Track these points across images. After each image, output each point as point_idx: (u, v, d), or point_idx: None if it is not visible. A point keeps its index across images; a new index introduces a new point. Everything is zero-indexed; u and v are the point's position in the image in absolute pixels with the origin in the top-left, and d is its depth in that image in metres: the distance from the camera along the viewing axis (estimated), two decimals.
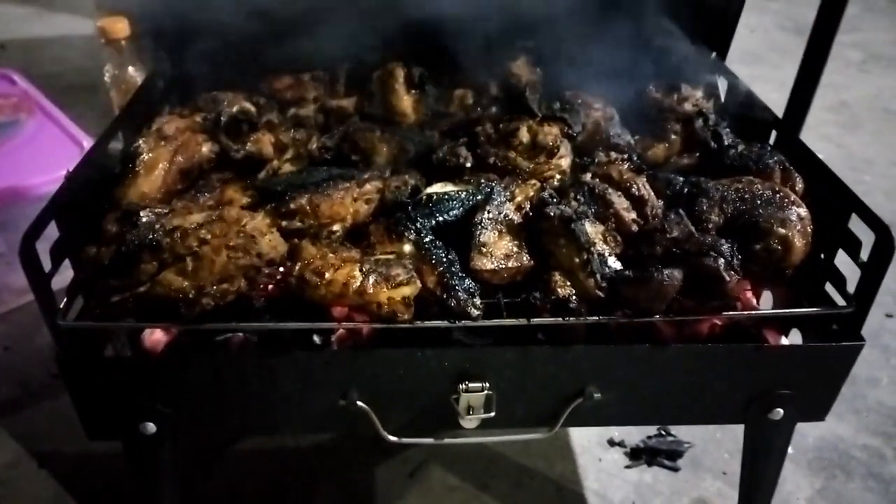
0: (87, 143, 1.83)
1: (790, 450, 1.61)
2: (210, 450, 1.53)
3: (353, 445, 1.55)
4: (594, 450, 1.58)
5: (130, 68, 2.21)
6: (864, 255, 1.03)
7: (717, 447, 1.59)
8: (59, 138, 1.87)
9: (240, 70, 1.47)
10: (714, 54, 1.54)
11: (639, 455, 1.56)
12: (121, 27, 1.97)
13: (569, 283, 1.01)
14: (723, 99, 1.47)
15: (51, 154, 1.80)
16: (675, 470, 1.54)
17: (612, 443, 1.59)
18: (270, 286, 1.05)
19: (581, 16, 1.39)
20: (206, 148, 1.16)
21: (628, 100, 1.43)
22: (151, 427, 1.03)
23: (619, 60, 1.43)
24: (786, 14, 4.17)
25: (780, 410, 1.10)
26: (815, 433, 1.64)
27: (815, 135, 2.93)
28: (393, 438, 1.06)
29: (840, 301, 1.06)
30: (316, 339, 1.09)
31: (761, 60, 3.58)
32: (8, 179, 1.70)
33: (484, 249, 1.05)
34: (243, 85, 1.43)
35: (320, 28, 1.42)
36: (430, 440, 1.09)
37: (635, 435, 1.60)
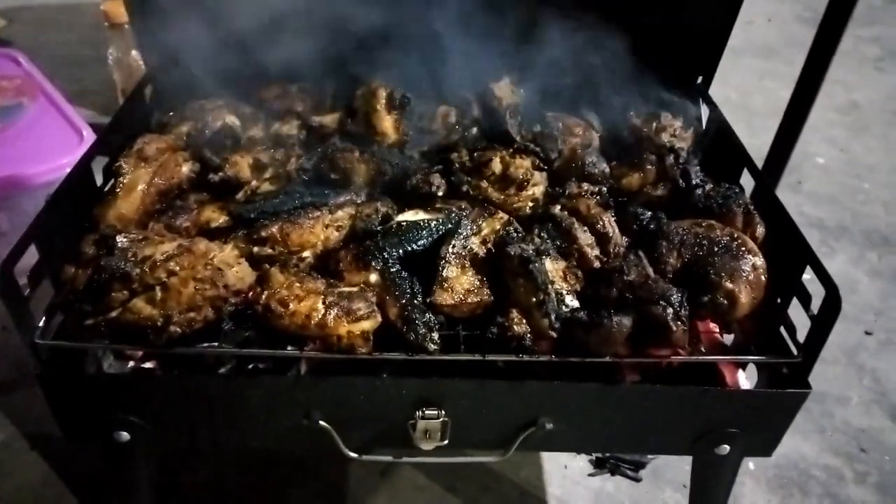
0: (87, 131, 1.86)
1: (751, 465, 1.66)
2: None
3: None
4: (560, 457, 1.63)
5: (133, 52, 2.24)
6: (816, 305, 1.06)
7: (679, 461, 1.63)
8: (61, 126, 1.91)
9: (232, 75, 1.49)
10: (700, 78, 1.54)
11: (603, 464, 1.62)
12: (124, 11, 2.00)
13: (525, 322, 1.06)
14: (703, 126, 1.48)
15: (51, 142, 1.84)
16: (637, 480, 1.60)
17: None
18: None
19: (568, 42, 1.40)
20: (185, 168, 1.20)
21: (609, 124, 1.45)
22: (125, 435, 1.09)
23: (604, 85, 1.44)
24: (805, 3, 4.08)
25: (727, 447, 1.14)
26: (778, 451, 1.66)
27: (820, 137, 2.89)
28: (353, 455, 1.12)
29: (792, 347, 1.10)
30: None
31: (775, 54, 3.51)
32: (8, 168, 1.74)
33: (446, 284, 1.09)
34: (234, 91, 1.46)
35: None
36: (388, 458, 1.15)
37: None
